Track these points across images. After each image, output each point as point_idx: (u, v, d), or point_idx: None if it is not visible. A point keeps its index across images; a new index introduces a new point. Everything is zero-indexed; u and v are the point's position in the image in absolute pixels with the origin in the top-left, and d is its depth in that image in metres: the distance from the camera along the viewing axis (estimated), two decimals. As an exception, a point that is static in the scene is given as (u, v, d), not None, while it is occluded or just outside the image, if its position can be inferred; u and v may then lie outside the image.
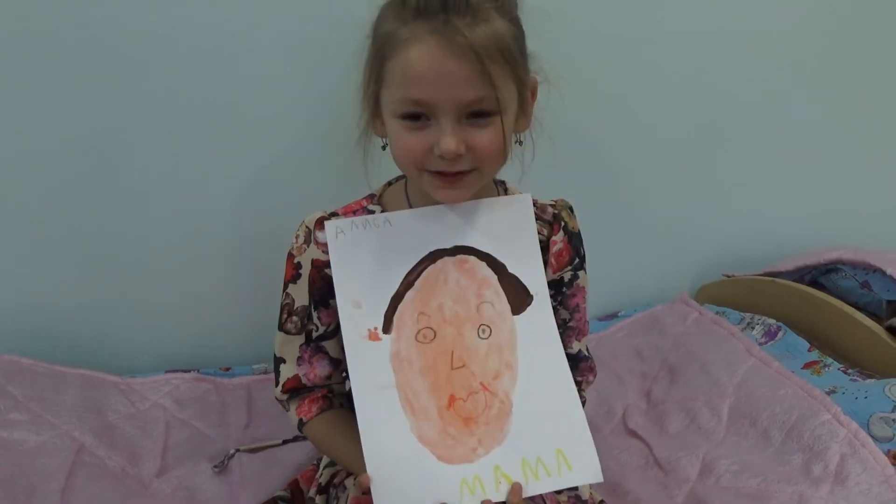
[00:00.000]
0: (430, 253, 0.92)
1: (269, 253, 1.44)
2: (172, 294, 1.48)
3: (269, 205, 1.46)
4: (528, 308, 0.93)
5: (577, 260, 1.05)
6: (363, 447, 0.86)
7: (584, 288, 1.08)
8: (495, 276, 0.93)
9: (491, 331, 0.91)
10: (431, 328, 0.91)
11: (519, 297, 0.93)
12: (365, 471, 0.85)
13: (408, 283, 0.91)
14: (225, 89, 1.37)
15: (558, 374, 0.91)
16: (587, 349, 1.10)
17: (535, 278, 0.93)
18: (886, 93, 1.76)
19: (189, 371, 1.45)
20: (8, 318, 1.42)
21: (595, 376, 1.13)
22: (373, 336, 0.90)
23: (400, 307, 0.91)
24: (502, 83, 0.85)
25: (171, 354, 1.50)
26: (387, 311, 0.91)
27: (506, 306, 0.92)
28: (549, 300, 0.93)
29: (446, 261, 0.92)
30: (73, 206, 1.38)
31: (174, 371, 1.44)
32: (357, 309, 0.90)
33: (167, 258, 1.45)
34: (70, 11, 1.27)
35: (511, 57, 0.85)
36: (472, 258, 0.93)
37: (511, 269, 0.93)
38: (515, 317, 0.92)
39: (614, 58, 1.54)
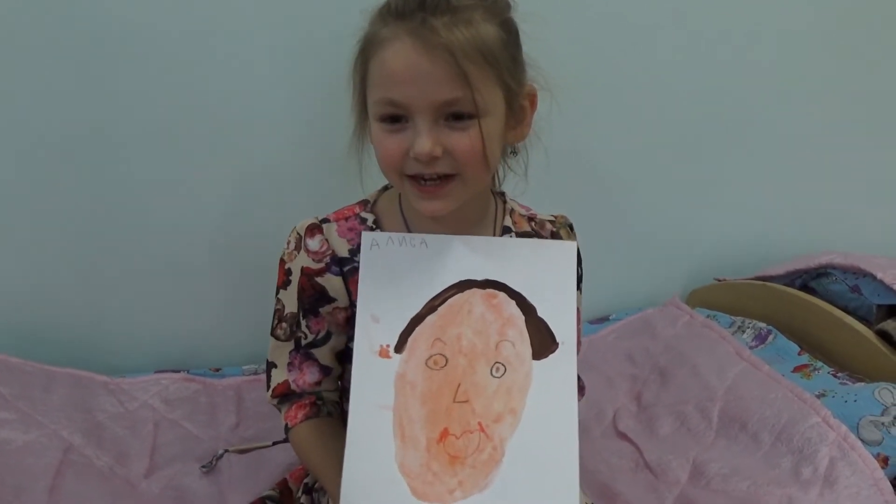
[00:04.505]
0: (460, 281, 0.89)
1: (260, 254, 1.44)
2: (162, 294, 1.48)
3: (261, 206, 1.46)
4: (551, 355, 0.88)
5: None
6: (344, 462, 0.84)
7: (578, 309, 1.07)
8: (522, 317, 0.89)
9: (506, 371, 0.88)
10: (444, 355, 0.87)
11: (543, 343, 0.88)
12: (335, 488, 0.84)
13: (431, 307, 0.89)
14: (220, 90, 1.37)
15: (563, 429, 0.86)
16: None
17: (564, 326, 0.89)
18: (879, 98, 1.77)
19: (178, 371, 1.44)
20: (-3, 316, 1.41)
21: (584, 395, 1.12)
22: (383, 353, 0.87)
23: (417, 329, 0.88)
24: (482, 85, 0.83)
25: (161, 355, 1.50)
26: (403, 331, 0.88)
27: (527, 349, 0.88)
28: (574, 351, 0.89)
29: (475, 292, 0.89)
30: (63, 207, 1.38)
31: (164, 371, 1.44)
32: (374, 323, 0.88)
33: (158, 259, 1.45)
34: (66, 11, 1.27)
35: (493, 59, 0.83)
36: (502, 294, 0.90)
37: (541, 313, 0.89)
38: (535, 362, 0.88)
39: (606, 63, 1.55)
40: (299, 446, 1.01)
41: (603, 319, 1.70)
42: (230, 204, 1.45)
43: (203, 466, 1.21)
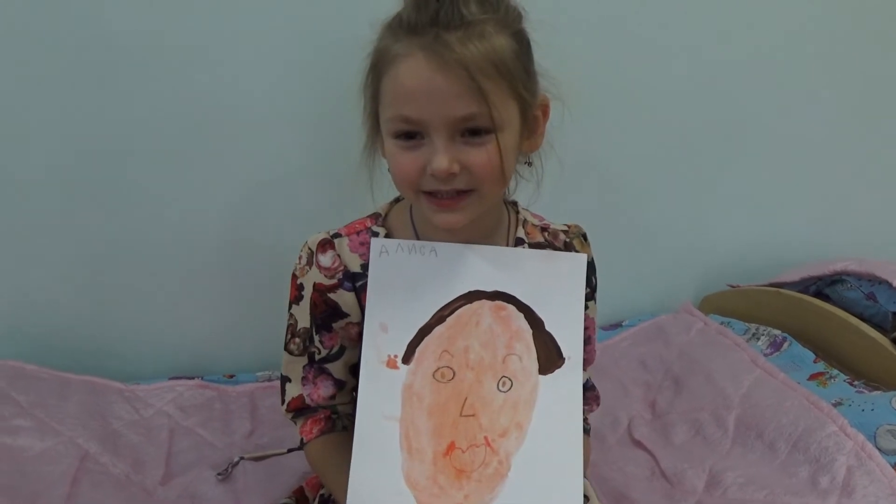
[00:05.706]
0: (469, 292, 0.89)
1: (274, 261, 1.44)
2: (177, 301, 1.49)
3: (273, 213, 1.47)
4: (558, 370, 0.88)
5: (588, 290, 1.01)
6: (350, 472, 0.84)
7: (593, 319, 1.07)
8: (530, 331, 0.89)
9: (512, 385, 0.87)
10: (451, 368, 0.87)
11: (550, 357, 0.88)
12: None
13: (439, 317, 0.88)
14: (231, 99, 1.38)
15: (568, 444, 0.86)
16: (590, 378, 1.10)
17: (571, 341, 0.89)
18: (890, 102, 1.76)
19: (193, 378, 1.44)
20: (12, 324, 1.42)
21: (598, 405, 1.13)
22: (391, 363, 0.87)
23: (426, 340, 0.87)
24: (498, 99, 0.81)
25: (175, 361, 1.51)
26: (411, 342, 0.87)
27: (534, 364, 0.88)
28: (581, 365, 0.89)
29: (483, 303, 0.89)
30: (77, 212, 1.39)
31: (178, 378, 1.44)
32: (383, 332, 0.87)
33: (172, 265, 1.46)
34: (74, 12, 1.28)
35: (507, 72, 0.82)
36: (511, 307, 0.89)
37: (548, 327, 0.89)
38: (542, 376, 0.88)
39: (616, 69, 1.54)
40: (314, 461, 1.01)
41: (616, 326, 1.70)
42: (243, 211, 1.45)
43: (219, 474, 1.21)
